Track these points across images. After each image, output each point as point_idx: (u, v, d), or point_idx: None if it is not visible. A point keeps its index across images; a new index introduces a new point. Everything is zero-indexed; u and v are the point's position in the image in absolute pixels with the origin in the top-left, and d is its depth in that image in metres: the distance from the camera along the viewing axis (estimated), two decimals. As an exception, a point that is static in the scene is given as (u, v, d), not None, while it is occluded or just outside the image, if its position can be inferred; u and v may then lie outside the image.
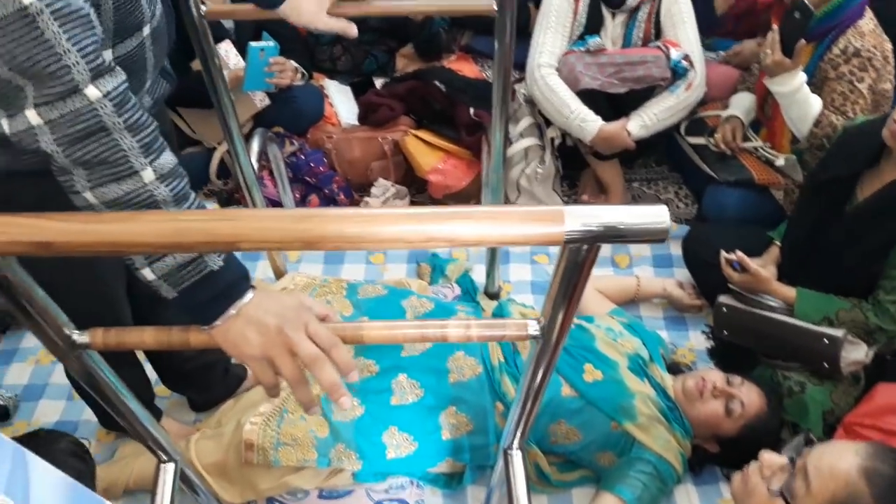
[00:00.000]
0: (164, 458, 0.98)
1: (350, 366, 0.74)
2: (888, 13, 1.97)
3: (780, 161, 2.03)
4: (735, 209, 2.10)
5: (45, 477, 0.60)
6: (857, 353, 1.58)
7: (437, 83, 2.38)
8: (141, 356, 1.59)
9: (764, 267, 1.77)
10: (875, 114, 1.83)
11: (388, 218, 0.57)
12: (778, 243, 1.86)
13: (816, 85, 1.89)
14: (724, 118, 2.19)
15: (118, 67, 0.72)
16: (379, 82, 2.60)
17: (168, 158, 0.74)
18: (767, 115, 2.12)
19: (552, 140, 2.26)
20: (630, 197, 2.43)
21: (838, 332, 1.57)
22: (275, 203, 2.24)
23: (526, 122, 2.29)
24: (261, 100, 2.31)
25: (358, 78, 2.66)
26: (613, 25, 2.16)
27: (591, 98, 2.08)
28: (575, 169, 2.43)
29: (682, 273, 2.12)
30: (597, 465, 1.60)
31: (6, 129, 0.71)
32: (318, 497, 1.54)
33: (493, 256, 1.94)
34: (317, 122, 2.43)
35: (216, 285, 0.73)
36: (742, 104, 2.18)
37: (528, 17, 2.56)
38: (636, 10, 2.13)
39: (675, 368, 1.77)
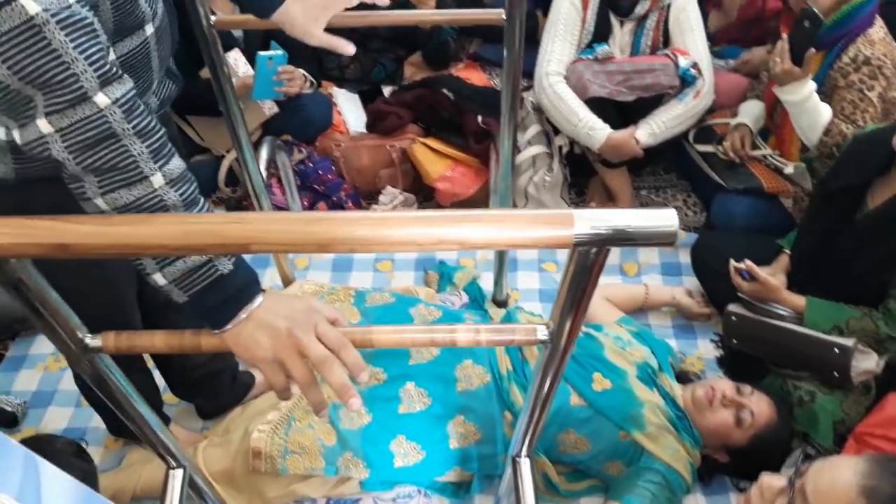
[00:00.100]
0: (174, 464, 0.98)
1: (359, 366, 0.75)
2: (898, 21, 1.96)
3: (788, 169, 2.02)
4: (744, 217, 2.09)
5: (56, 482, 0.61)
6: (867, 363, 1.57)
7: (445, 91, 2.39)
8: (150, 363, 1.59)
9: (773, 275, 1.76)
10: (885, 122, 1.83)
11: (398, 221, 0.57)
12: (787, 251, 1.85)
13: (826, 93, 1.89)
14: (733, 126, 2.18)
15: (126, 75, 0.73)
16: (387, 90, 2.61)
17: (177, 163, 0.75)
18: (776, 122, 2.11)
19: (560, 148, 2.26)
20: (638, 205, 2.42)
21: (849, 342, 1.56)
22: (283, 210, 2.25)
23: (534, 129, 2.29)
24: (269, 108, 2.32)
25: (366, 86, 2.67)
26: (622, 33, 2.16)
27: (600, 106, 2.08)
28: (583, 177, 2.43)
29: (691, 281, 2.11)
30: (605, 475, 1.59)
31: (18, 139, 0.71)
32: (325, 505, 1.54)
33: (501, 264, 1.93)
34: (325, 130, 2.44)
35: (226, 289, 0.74)
36: (751, 112, 2.17)
37: (537, 25, 2.57)
38: (644, 18, 2.13)
39: (683, 377, 1.76)
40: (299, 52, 2.34)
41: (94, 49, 0.69)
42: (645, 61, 2.09)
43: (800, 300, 1.69)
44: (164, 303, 0.76)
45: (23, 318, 1.94)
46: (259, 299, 0.76)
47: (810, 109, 1.81)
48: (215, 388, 1.69)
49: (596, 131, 2.08)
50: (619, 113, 2.11)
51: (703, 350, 1.97)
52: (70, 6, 0.68)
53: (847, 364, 1.55)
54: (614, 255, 2.21)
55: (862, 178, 1.62)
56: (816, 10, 1.70)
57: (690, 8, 2.13)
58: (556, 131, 2.25)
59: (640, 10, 2.11)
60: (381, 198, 2.35)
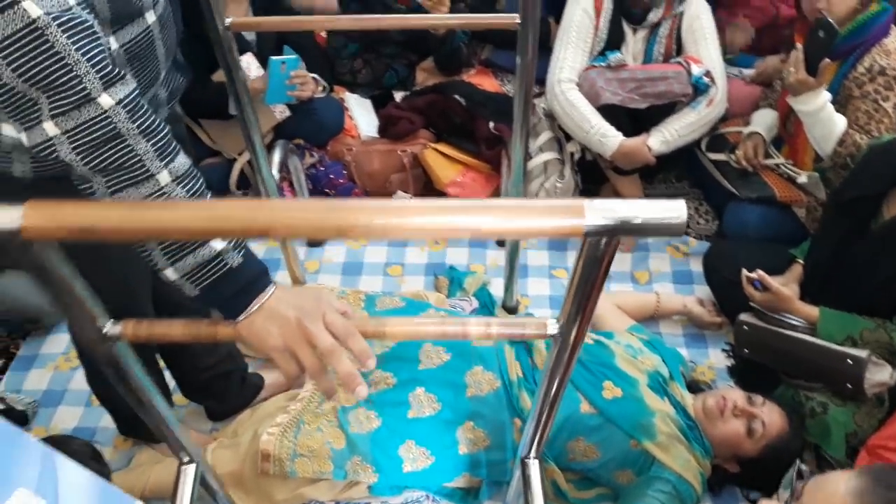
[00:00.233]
0: (186, 459, 0.99)
1: (366, 353, 0.77)
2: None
3: (802, 178, 2.01)
4: (756, 226, 2.08)
5: (73, 477, 0.61)
6: (881, 375, 1.56)
7: (457, 97, 2.39)
8: (160, 364, 1.60)
9: (786, 285, 1.74)
10: (900, 132, 1.82)
11: (414, 209, 0.58)
12: (800, 261, 1.84)
13: (840, 103, 1.88)
14: (746, 134, 2.17)
15: (128, 76, 0.74)
16: (399, 95, 2.62)
17: (183, 161, 0.77)
18: (790, 131, 2.10)
19: (572, 154, 2.26)
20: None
21: (862, 353, 1.55)
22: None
23: (545, 136, 2.29)
24: (280, 112, 2.33)
25: (378, 91, 2.67)
26: (634, 41, 2.16)
27: (612, 113, 2.08)
28: (594, 183, 2.42)
29: (703, 290, 2.10)
30: (615, 484, 1.59)
31: (25, 141, 0.73)
32: (333, 509, 1.54)
33: (512, 270, 1.93)
34: (337, 135, 2.44)
35: (237, 282, 0.76)
36: (764, 121, 2.17)
37: (549, 32, 2.57)
38: (657, 25, 2.13)
39: (694, 387, 1.75)
40: (311, 57, 2.35)
41: (96, 51, 0.71)
42: (658, 69, 2.09)
43: (813, 310, 1.68)
44: (178, 302, 0.78)
45: (34, 317, 1.95)
46: (270, 290, 0.78)
47: (824, 119, 1.80)
48: (225, 389, 1.69)
49: (608, 138, 2.08)
50: (631, 120, 2.11)
51: (715, 359, 1.96)
52: (71, 8, 0.69)
53: (860, 375, 1.54)
54: (625, 262, 2.21)
55: (877, 188, 1.61)
56: (831, 20, 1.69)
57: (704, 16, 2.13)
58: (568, 138, 2.24)
59: (653, 17, 2.11)
60: (392, 202, 2.36)
